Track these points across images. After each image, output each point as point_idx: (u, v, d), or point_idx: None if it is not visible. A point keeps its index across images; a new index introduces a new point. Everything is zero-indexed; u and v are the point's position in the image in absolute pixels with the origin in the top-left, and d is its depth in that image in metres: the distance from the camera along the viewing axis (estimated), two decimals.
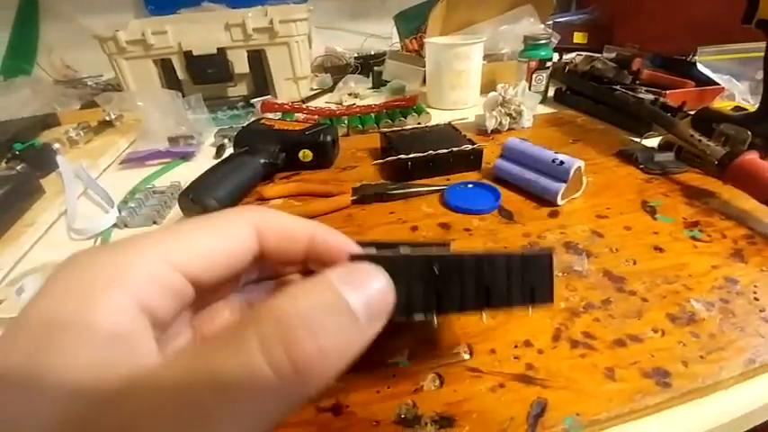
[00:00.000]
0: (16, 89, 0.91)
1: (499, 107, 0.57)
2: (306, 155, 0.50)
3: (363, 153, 0.55)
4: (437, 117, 0.70)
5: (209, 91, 0.81)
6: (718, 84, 0.65)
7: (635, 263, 0.34)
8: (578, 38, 0.94)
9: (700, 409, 0.25)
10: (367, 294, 0.13)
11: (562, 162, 0.41)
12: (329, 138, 0.50)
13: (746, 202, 0.40)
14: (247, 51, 0.78)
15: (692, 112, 0.54)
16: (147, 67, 0.78)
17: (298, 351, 0.11)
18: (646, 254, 0.35)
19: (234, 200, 0.44)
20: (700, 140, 0.44)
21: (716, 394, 0.25)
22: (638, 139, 0.56)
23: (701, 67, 0.64)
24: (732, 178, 0.40)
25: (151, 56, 0.77)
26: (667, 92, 0.63)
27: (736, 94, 0.63)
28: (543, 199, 0.42)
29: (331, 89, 0.87)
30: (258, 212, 0.17)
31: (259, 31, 0.76)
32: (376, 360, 0.27)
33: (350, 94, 0.84)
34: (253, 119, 0.59)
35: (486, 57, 0.82)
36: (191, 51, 0.75)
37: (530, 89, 0.73)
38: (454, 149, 0.47)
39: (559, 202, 0.41)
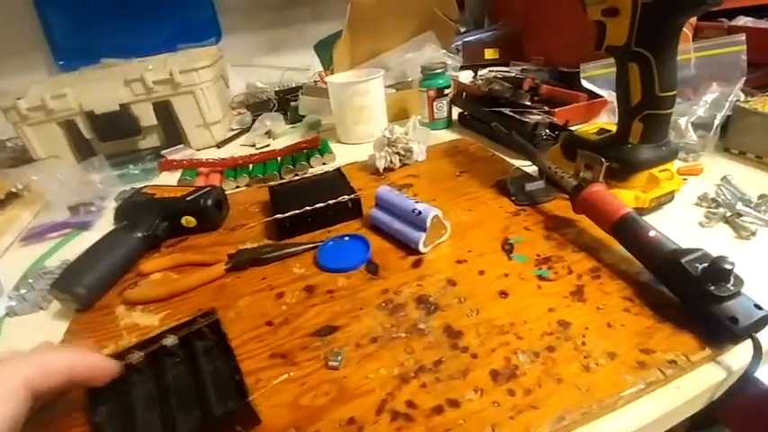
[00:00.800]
0: None
1: (386, 147, 0.58)
2: (189, 221, 0.50)
3: (256, 208, 0.56)
4: (346, 152, 0.71)
5: (120, 146, 0.80)
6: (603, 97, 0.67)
7: (478, 312, 0.35)
8: (490, 53, 0.96)
9: None
10: None
11: (420, 212, 0.42)
12: (209, 202, 0.50)
13: (600, 231, 0.42)
14: (152, 104, 0.77)
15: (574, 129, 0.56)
16: (53, 130, 0.76)
17: None
18: (491, 301, 0.36)
19: (108, 282, 0.44)
20: (556, 171, 0.45)
21: None
22: (524, 165, 0.58)
23: (584, 81, 0.66)
24: (581, 209, 0.42)
25: (54, 119, 0.76)
26: (556, 110, 0.66)
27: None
28: (410, 247, 0.43)
29: (248, 129, 0.87)
30: (23, 368, 0.23)
31: (160, 83, 0.75)
32: None
33: (265, 134, 0.84)
34: (132, 188, 0.58)
35: (395, 85, 0.84)
36: (92, 111, 0.75)
37: (432, 117, 0.75)
38: (331, 202, 0.48)
39: (422, 250, 0.42)
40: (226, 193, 0.56)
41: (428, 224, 0.41)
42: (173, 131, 0.81)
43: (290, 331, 0.36)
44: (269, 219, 0.47)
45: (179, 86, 0.76)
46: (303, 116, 0.88)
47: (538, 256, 0.41)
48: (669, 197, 0.48)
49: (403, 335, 0.34)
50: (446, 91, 0.73)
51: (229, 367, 0.31)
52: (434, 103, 0.73)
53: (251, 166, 0.68)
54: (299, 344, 0.35)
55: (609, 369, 0.30)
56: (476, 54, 0.96)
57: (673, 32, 0.42)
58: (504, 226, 0.46)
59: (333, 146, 0.74)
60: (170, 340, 0.33)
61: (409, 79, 0.82)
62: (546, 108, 0.67)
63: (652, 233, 0.36)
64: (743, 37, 0.63)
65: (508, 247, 0.42)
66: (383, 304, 0.38)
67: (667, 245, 0.35)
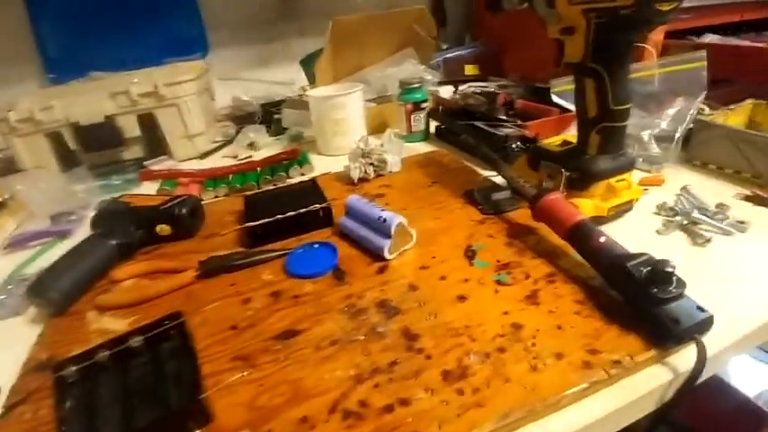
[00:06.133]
0: None
1: (361, 158, 0.60)
2: (163, 229, 0.51)
3: (231, 217, 0.57)
4: (326, 163, 0.73)
5: (104, 157, 0.81)
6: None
7: (435, 316, 0.37)
8: (470, 69, 1.00)
9: None
10: None
11: (385, 220, 0.43)
12: (183, 210, 0.51)
13: (558, 238, 0.43)
14: (137, 116, 0.79)
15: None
16: (39, 141, 0.78)
17: None
18: (449, 304, 0.38)
19: (81, 288, 0.45)
20: (517, 181, 0.47)
21: None
22: (492, 176, 0.59)
23: (554, 96, 0.69)
24: (539, 217, 0.44)
25: (41, 131, 0.77)
26: (528, 123, 0.68)
27: None
28: (377, 254, 0.45)
29: (232, 140, 0.89)
30: None
31: (145, 96, 0.77)
32: None
33: (248, 145, 0.85)
34: (111, 197, 0.60)
35: (375, 99, 0.86)
36: (78, 122, 0.76)
37: (410, 130, 0.77)
38: (303, 211, 0.50)
39: (388, 256, 0.44)
40: (203, 202, 0.57)
41: (392, 231, 0.43)
42: (156, 143, 0.83)
43: (254, 335, 0.37)
44: (241, 227, 0.49)
45: (163, 99, 0.78)
46: (286, 129, 0.90)
47: (498, 261, 0.42)
48: (628, 206, 0.50)
49: (362, 337, 0.35)
50: (423, 105, 0.75)
51: (191, 368, 0.32)
52: (412, 116, 0.76)
53: (230, 176, 0.70)
54: (261, 347, 0.36)
55: (555, 369, 0.31)
56: (456, 70, 0.99)
57: (624, 49, 0.45)
58: (468, 234, 0.47)
59: (313, 157, 0.75)
60: (136, 341, 0.34)
61: (389, 93, 0.85)
62: (519, 122, 0.70)
63: (602, 239, 0.38)
64: (704, 53, 0.66)
65: (470, 254, 0.44)
66: (345, 308, 0.39)
67: (615, 250, 0.37)
